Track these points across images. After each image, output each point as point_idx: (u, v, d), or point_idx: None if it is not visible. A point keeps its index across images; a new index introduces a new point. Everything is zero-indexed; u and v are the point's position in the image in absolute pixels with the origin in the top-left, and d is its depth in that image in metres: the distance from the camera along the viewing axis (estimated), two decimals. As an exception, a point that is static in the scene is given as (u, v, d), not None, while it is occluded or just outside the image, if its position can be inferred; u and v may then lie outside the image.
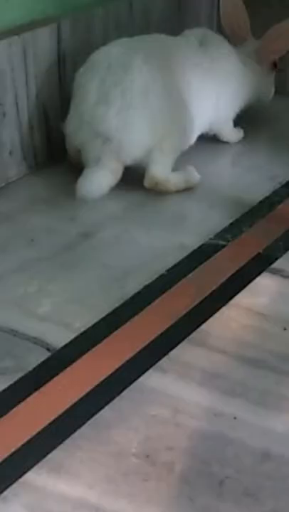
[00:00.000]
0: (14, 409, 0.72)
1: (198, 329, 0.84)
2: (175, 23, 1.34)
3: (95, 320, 0.84)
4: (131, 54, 1.10)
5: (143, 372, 0.77)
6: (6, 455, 0.67)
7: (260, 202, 1.10)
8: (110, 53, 1.11)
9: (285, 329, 0.84)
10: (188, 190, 1.12)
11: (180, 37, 1.21)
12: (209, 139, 1.26)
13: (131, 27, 1.24)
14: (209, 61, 1.19)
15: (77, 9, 1.16)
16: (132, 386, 0.75)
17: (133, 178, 1.13)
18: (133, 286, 0.90)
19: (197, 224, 1.04)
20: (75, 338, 0.82)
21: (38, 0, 1.11)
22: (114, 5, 1.21)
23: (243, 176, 1.17)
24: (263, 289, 0.91)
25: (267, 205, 1.09)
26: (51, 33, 1.11)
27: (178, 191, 1.12)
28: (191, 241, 1.00)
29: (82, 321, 0.84)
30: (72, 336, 0.82)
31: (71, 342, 0.81)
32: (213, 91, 1.19)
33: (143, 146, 1.09)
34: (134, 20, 1.25)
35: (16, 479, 0.65)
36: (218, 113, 1.22)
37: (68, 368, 0.77)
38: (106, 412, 0.72)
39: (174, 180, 1.12)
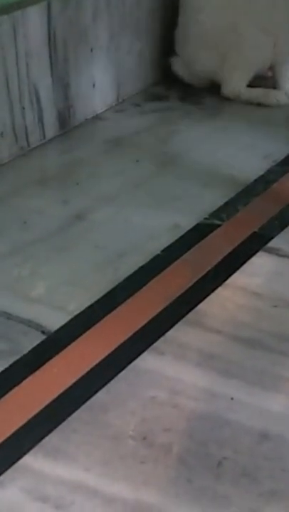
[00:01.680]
0: (9, 393, 0.71)
1: (194, 310, 0.83)
2: (167, 3, 1.33)
3: (90, 302, 0.84)
4: None
5: (139, 354, 0.77)
6: (2, 439, 0.67)
7: (255, 181, 1.09)
8: None
9: (275, 306, 0.84)
10: (266, 106, 1.26)
11: None
12: (201, 118, 1.25)
13: (121, 6, 1.23)
14: None
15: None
16: (128, 368, 0.75)
17: (126, 156, 1.12)
18: (128, 268, 0.89)
19: (192, 204, 1.03)
20: (70, 321, 0.81)
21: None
22: (104, -17, 1.19)
23: (237, 155, 1.16)
24: (258, 268, 0.91)
25: (262, 183, 1.08)
26: (41, 11, 1.09)
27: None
28: (186, 221, 0.99)
29: (77, 304, 0.83)
30: (66, 318, 0.81)
31: (66, 324, 0.80)
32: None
33: (204, 65, 1.27)
34: (124, 0, 1.23)
35: (13, 463, 0.65)
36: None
37: (63, 351, 0.77)
38: (102, 395, 0.72)
39: (246, 96, 1.28)
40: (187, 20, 1.29)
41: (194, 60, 1.30)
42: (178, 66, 1.34)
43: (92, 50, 1.20)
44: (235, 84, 1.29)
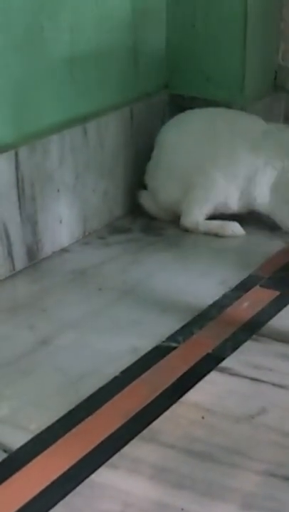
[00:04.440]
0: (-29, 509, 0.76)
1: (149, 426, 0.89)
2: (129, 145, 1.45)
3: (51, 422, 0.89)
4: (171, 121, 1.46)
5: (95, 469, 0.81)
6: None
7: (210, 305, 1.17)
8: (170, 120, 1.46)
9: (225, 421, 0.89)
10: (222, 236, 1.39)
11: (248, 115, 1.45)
12: (161, 249, 1.34)
13: (85, 150, 1.34)
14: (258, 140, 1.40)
15: (33, 136, 1.25)
16: (84, 483, 0.79)
17: (90, 285, 1.20)
18: (88, 389, 0.95)
19: (150, 328, 1.10)
20: (31, 439, 0.86)
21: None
22: (68, 130, 1.31)
23: (194, 282, 1.24)
24: (211, 386, 0.97)
25: (216, 308, 1.16)
26: (9, 159, 1.19)
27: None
28: (145, 344, 1.05)
29: (39, 423, 0.89)
30: (28, 437, 0.86)
31: (27, 443, 0.85)
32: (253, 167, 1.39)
33: (169, 196, 1.41)
34: (88, 144, 1.35)
35: None
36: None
37: (24, 468, 0.81)
38: (59, 508, 0.76)
39: (203, 228, 1.40)
40: (160, 155, 1.43)
41: (161, 190, 1.42)
42: (144, 198, 1.45)
43: (58, 190, 1.30)
44: (194, 217, 1.39)
